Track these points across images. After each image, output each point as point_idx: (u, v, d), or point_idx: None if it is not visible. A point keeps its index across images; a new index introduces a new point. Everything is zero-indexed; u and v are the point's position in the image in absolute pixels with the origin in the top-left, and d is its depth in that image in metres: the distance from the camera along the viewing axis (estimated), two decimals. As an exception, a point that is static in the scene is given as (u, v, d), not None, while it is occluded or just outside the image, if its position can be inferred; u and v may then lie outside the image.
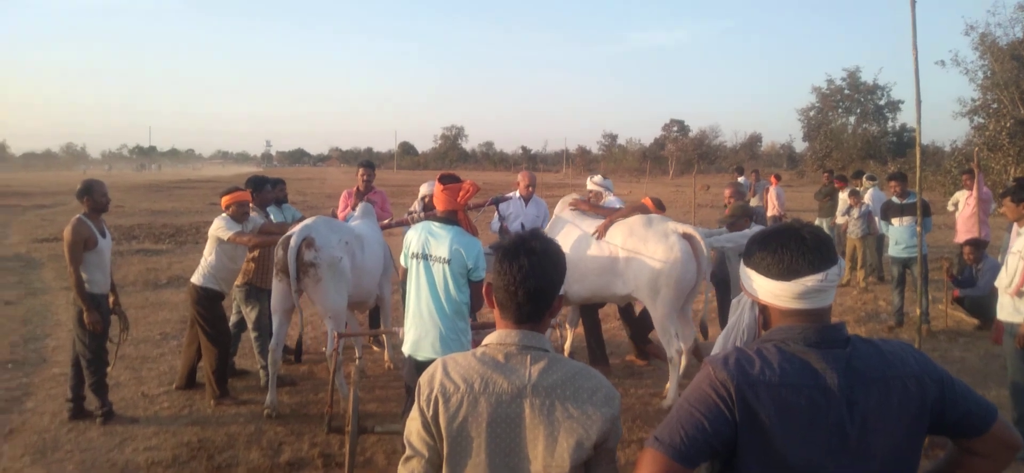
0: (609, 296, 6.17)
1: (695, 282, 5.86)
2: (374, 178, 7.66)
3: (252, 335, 6.44)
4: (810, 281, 1.66)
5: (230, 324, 6.54)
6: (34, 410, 5.85)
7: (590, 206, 6.50)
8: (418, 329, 4.16)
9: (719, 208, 16.75)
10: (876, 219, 10.13)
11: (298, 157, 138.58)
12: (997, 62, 26.19)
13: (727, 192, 7.46)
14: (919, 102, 4.87)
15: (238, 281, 6.40)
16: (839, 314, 9.32)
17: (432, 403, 1.78)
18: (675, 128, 76.39)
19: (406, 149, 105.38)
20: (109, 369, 5.83)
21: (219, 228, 6.03)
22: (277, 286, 5.72)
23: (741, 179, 16.62)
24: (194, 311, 6.09)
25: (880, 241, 10.98)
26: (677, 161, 68.28)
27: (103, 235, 5.61)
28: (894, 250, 8.52)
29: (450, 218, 4.25)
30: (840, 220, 11.82)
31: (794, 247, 1.69)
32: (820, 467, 1.61)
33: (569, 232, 6.27)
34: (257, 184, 6.84)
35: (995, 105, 26.27)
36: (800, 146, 58.22)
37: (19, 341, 7.78)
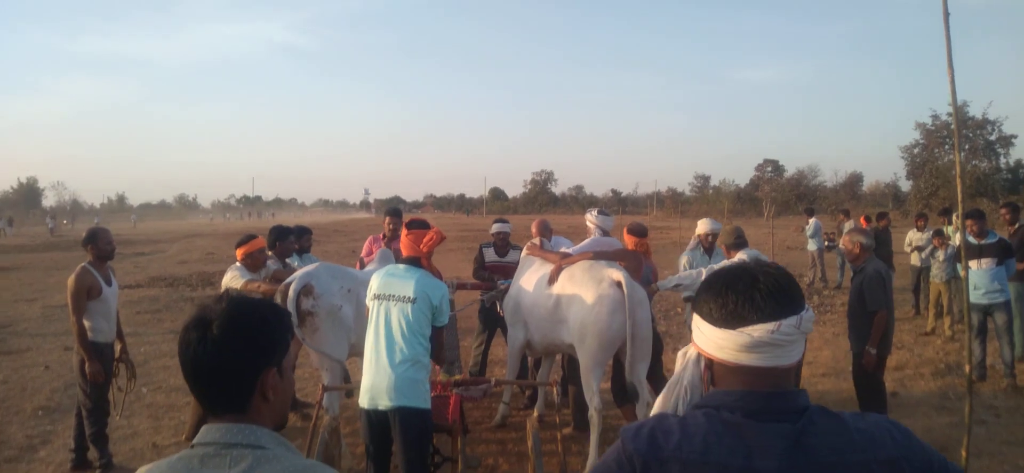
0: (560, 344, 5.68)
1: (622, 334, 5.10)
2: (400, 227, 7.48)
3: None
4: (758, 331, 1.29)
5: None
6: (44, 459, 5.86)
7: (540, 251, 6.06)
8: (374, 377, 3.88)
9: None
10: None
11: (395, 204, 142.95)
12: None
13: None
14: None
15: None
16: (917, 366, 8.41)
17: None
18: (769, 168, 74.13)
19: (496, 195, 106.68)
20: (116, 417, 5.80)
21: (232, 277, 5.97)
22: (277, 335, 5.57)
23: (812, 220, 15.70)
24: None
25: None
26: (773, 202, 66.05)
27: (109, 283, 5.62)
28: (974, 295, 7.59)
29: (414, 263, 4.04)
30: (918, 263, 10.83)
31: (742, 289, 1.33)
32: None
33: (530, 276, 5.92)
34: (280, 234, 6.80)
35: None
36: (905, 185, 55.21)
37: (60, 387, 7.94)
